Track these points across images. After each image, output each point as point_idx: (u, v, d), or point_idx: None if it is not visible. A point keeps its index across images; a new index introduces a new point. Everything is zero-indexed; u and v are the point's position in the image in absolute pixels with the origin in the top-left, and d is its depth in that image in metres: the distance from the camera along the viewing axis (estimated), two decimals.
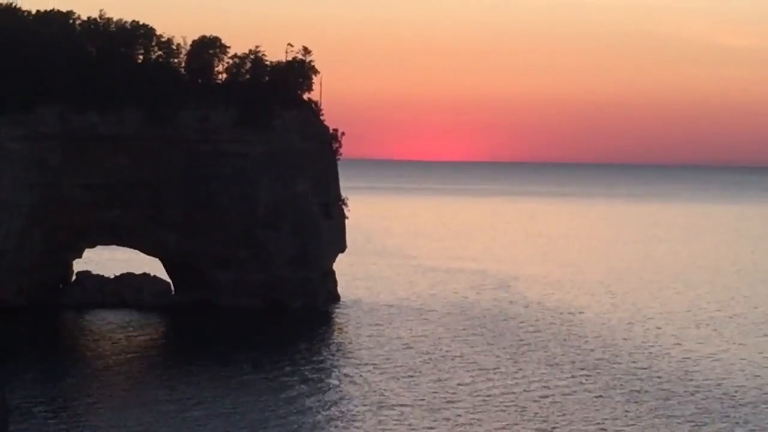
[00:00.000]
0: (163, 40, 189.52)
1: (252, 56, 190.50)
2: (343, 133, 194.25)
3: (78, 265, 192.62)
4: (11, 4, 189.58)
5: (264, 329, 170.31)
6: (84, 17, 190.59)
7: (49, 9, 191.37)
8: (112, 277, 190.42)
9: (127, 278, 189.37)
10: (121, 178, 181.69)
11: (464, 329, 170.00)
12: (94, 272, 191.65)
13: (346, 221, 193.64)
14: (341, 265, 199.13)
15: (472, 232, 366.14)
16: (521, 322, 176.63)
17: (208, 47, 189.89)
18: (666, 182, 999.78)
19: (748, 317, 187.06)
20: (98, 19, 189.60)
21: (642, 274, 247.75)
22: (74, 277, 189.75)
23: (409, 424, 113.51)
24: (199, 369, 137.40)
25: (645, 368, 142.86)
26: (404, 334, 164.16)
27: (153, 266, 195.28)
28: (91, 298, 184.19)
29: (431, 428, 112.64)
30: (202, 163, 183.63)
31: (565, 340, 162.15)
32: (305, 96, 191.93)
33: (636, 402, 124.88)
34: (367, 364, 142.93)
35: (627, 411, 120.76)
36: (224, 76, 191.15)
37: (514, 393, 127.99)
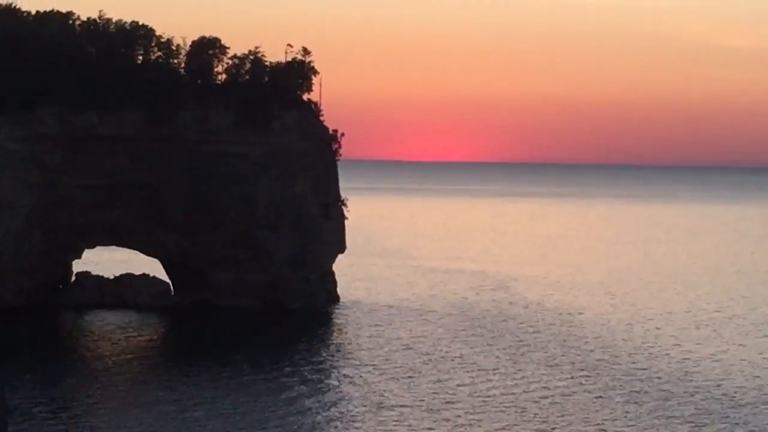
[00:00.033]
0: (162, 40, 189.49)
1: (251, 57, 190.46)
2: (342, 134, 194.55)
3: (77, 266, 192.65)
4: (11, 4, 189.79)
5: (263, 330, 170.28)
6: (83, 18, 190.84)
7: (48, 9, 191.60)
8: (112, 277, 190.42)
9: (126, 279, 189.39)
10: (121, 178, 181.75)
11: (464, 330, 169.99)
12: (94, 273, 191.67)
13: (346, 222, 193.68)
14: (341, 266, 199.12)
15: (471, 232, 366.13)
16: (521, 323, 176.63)
17: (207, 48, 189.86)
18: (666, 183, 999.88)
19: (747, 318, 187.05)
20: (98, 20, 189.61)
21: (642, 274, 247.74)
22: (74, 278, 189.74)
23: (409, 425, 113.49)
24: (199, 369, 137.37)
25: (644, 369, 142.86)
26: (404, 335, 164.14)
27: (152, 267, 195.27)
28: (90, 298, 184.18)
29: (431, 429, 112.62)
30: (202, 164, 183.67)
31: (564, 340, 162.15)
32: (305, 96, 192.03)
33: (636, 403, 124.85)
34: (366, 364, 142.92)
35: (627, 412, 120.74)
36: (224, 76, 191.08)
37: (513, 394, 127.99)
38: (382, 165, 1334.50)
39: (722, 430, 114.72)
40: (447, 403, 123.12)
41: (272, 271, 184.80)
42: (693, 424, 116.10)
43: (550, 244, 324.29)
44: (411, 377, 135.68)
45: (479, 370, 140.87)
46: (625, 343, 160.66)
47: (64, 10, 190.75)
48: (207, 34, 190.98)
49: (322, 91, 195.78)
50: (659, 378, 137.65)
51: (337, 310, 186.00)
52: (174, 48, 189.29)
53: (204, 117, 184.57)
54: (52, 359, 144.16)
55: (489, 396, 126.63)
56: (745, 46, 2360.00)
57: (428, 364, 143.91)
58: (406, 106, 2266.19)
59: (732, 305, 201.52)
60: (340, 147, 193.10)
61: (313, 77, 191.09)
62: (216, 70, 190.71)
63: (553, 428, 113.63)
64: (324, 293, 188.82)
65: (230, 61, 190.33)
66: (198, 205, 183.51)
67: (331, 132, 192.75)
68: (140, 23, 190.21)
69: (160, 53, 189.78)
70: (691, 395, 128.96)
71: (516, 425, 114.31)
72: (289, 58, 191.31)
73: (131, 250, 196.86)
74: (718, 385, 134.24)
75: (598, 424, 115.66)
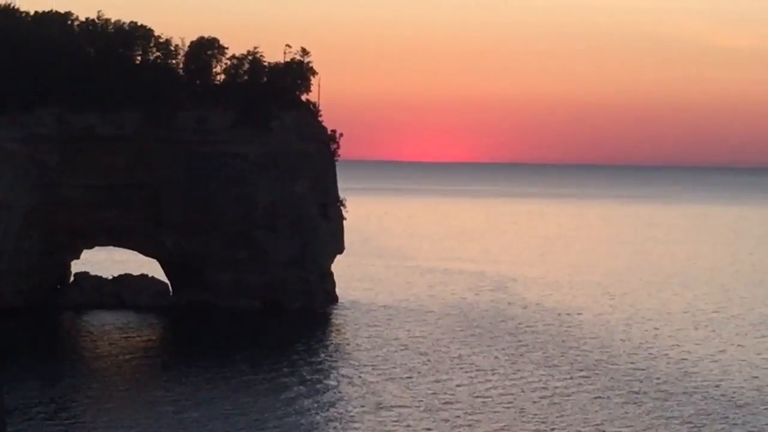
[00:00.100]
0: (161, 41, 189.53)
1: (250, 57, 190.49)
2: (341, 134, 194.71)
3: (76, 266, 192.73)
4: (10, 4, 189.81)
5: (262, 330, 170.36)
6: (82, 18, 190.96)
7: (47, 10, 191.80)
8: (111, 278, 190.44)
9: (125, 279, 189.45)
10: (120, 179, 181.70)
11: (462, 330, 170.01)
12: (93, 273, 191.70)
13: (345, 222, 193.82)
14: (339, 266, 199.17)
15: (470, 233, 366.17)
16: (519, 323, 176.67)
17: (206, 48, 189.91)
18: (665, 183, 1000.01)
19: (746, 318, 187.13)
20: (96, 20, 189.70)
21: (640, 275, 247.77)
22: (72, 278, 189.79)
23: (408, 425, 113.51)
24: (198, 370, 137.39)
25: (643, 369, 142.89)
26: (402, 335, 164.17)
27: (151, 267, 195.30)
28: (89, 299, 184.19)
29: (429, 429, 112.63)
30: (201, 164, 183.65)
31: (563, 341, 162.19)
32: (303, 97, 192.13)
33: (634, 403, 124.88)
34: (365, 365, 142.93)
35: (625, 412, 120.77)
36: (222, 77, 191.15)
37: (512, 394, 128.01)
38: (380, 165, 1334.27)
39: (721, 431, 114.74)
40: (446, 403, 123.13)
41: (271, 271, 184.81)
42: (692, 425, 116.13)
43: (548, 245, 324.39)
44: (409, 377, 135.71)
45: (478, 370, 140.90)
46: (623, 344, 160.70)
47: (62, 11, 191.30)
48: (206, 35, 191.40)
49: (321, 91, 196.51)
50: (658, 378, 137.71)
51: (335, 311, 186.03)
52: (173, 48, 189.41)
53: (203, 117, 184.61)
54: (51, 359, 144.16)
55: (488, 396, 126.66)
56: (745, 46, 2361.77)
57: (427, 364, 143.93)
58: (405, 106, 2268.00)
59: (730, 306, 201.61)
60: (338, 147, 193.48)
61: (311, 77, 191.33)
62: (215, 70, 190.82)
63: (552, 428, 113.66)
64: (323, 293, 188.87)
65: (229, 62, 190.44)
66: (197, 205, 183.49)
67: (329, 132, 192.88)
68: (139, 23, 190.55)
69: (158, 53, 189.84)
70: (690, 395, 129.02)
71: (515, 425, 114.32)
72: (288, 59, 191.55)
73: (130, 251, 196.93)
74: (717, 386, 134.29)
75: (597, 424, 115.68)
